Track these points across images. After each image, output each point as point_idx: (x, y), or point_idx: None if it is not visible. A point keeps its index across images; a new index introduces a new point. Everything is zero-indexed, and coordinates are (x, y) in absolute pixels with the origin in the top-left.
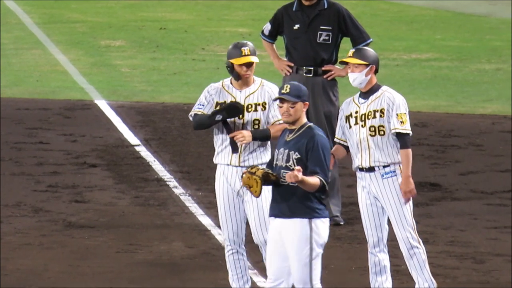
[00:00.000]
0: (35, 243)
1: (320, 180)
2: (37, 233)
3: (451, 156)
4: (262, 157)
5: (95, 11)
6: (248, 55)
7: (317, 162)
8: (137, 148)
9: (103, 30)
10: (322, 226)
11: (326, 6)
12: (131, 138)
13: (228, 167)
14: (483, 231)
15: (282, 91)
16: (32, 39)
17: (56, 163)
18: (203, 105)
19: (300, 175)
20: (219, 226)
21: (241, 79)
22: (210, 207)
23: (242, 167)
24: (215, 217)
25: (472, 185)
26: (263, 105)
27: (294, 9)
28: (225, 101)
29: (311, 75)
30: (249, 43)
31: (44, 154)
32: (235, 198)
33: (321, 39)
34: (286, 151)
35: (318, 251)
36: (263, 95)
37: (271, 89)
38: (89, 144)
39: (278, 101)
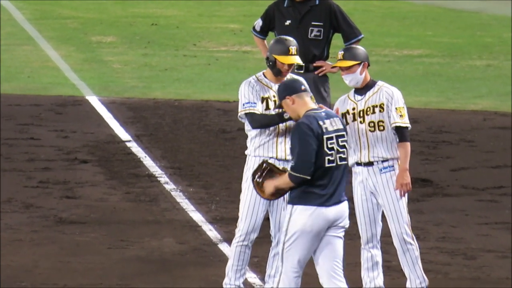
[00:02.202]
0: (26, 239)
1: (289, 173)
2: (28, 229)
3: (442, 152)
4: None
5: (86, 7)
6: (294, 55)
7: (292, 148)
8: (128, 144)
9: (95, 26)
10: (300, 213)
11: (317, 2)
12: (122, 134)
13: (270, 160)
14: (474, 227)
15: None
16: (23, 35)
17: (47, 159)
18: (255, 103)
19: (269, 189)
20: (210, 222)
21: (280, 75)
22: (201, 203)
23: (287, 161)
24: (206, 213)
25: (463, 181)
26: None
27: (285, 5)
28: (268, 96)
29: (302, 71)
30: (294, 41)
31: (35, 150)
32: None
33: (313, 35)
34: None
35: (292, 236)
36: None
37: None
38: (80, 140)
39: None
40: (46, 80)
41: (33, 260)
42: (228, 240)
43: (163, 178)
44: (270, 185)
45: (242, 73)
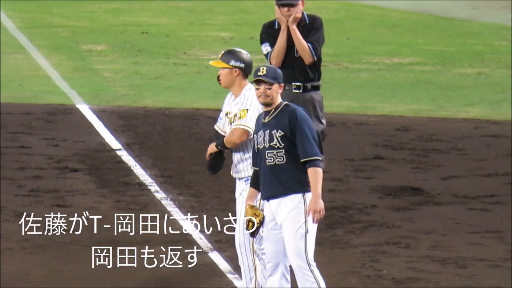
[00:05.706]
0: (17, 247)
1: (314, 167)
2: (19, 238)
3: (433, 161)
4: (248, 169)
5: (77, 15)
6: (218, 59)
7: (304, 138)
8: (118, 153)
9: (85, 34)
10: (310, 198)
11: (308, 21)
12: (113, 142)
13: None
14: (466, 235)
15: (259, 73)
16: (14, 44)
17: (38, 167)
18: (221, 118)
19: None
20: (200, 231)
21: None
22: (192, 212)
23: (239, 178)
24: (197, 222)
25: (454, 189)
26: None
27: (276, 27)
28: (228, 111)
29: (300, 91)
30: (230, 49)
31: (26, 158)
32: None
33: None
34: (267, 131)
35: (313, 224)
36: (240, 103)
37: (245, 97)
38: (71, 149)
39: (254, 83)
40: (36, 89)
41: (24, 269)
42: (219, 249)
43: (154, 187)
44: (317, 202)
45: None
